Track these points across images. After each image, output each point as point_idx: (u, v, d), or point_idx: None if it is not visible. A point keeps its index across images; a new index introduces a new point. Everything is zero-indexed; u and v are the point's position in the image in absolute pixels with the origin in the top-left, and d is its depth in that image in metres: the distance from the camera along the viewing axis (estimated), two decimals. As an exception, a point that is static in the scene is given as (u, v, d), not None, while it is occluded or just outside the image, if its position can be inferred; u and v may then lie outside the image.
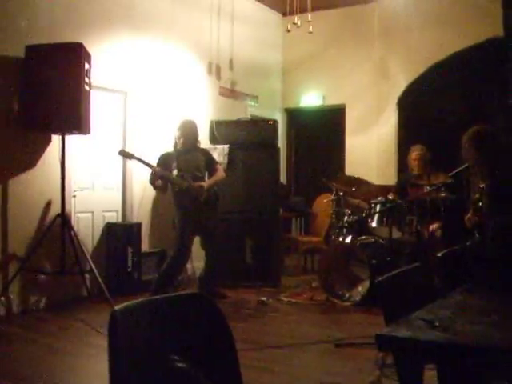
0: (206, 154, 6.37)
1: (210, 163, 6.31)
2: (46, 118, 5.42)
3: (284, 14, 9.49)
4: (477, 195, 4.40)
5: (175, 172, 5.94)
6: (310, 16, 7.12)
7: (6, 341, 4.57)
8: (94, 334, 3.77)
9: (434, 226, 6.27)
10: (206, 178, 6.24)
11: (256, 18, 9.28)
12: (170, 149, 6.25)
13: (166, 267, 6.00)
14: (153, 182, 5.89)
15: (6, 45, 5.51)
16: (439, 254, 2.98)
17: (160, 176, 5.84)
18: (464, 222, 4.34)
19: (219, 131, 7.22)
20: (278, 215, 7.41)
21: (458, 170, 5.21)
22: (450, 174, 5.56)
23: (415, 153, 6.69)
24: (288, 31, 7.33)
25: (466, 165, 4.80)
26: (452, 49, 8.40)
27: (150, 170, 5.85)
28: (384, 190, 6.94)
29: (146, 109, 7.15)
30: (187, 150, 6.13)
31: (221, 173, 6.33)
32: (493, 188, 4.19)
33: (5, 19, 5.51)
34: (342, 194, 6.61)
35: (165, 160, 6.03)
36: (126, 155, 5.84)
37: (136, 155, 5.76)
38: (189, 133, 6.16)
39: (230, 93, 8.72)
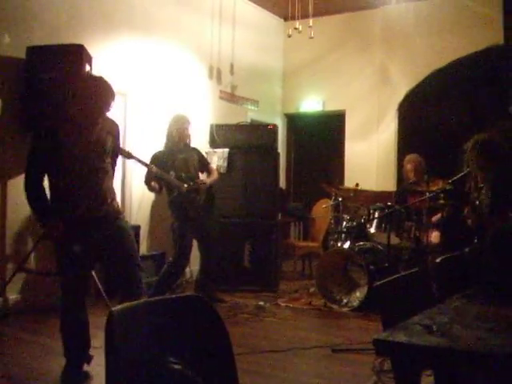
0: (198, 153, 6.29)
1: (204, 163, 6.27)
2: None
3: (285, 19, 9.50)
4: (475, 194, 4.44)
5: (172, 173, 5.84)
6: (311, 21, 7.14)
7: (4, 341, 4.56)
8: (92, 335, 3.76)
9: (433, 233, 6.27)
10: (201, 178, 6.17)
11: (257, 22, 9.30)
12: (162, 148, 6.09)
13: (166, 271, 5.96)
14: (148, 182, 5.80)
15: (7, 45, 5.51)
16: (437, 260, 2.99)
17: (157, 177, 5.75)
18: (462, 228, 4.35)
19: (219, 135, 7.22)
20: (277, 220, 7.41)
21: (458, 176, 5.22)
22: (451, 181, 5.56)
23: (410, 164, 6.60)
24: (289, 36, 7.37)
25: (466, 171, 4.81)
26: (452, 56, 8.43)
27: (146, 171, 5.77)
28: (383, 196, 6.94)
29: (146, 111, 7.15)
30: (181, 150, 6.03)
31: (216, 173, 6.32)
32: (495, 191, 4.24)
33: (6, 20, 5.52)
34: (340, 199, 6.62)
35: (159, 160, 5.86)
36: (124, 154, 5.75)
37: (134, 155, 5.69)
38: (185, 129, 6.08)
39: (231, 97, 8.73)
